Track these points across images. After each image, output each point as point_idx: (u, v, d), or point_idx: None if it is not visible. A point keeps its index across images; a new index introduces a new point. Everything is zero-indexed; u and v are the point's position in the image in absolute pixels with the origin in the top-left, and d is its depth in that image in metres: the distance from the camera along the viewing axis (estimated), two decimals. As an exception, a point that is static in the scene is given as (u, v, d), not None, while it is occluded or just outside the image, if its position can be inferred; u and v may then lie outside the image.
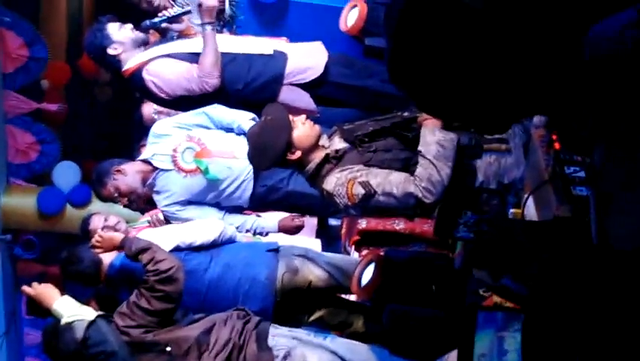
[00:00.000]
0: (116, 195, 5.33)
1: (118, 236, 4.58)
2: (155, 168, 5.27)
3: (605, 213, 1.66)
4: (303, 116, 4.11)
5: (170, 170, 5.25)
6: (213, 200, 5.29)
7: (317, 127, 4.04)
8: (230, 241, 4.94)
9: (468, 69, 1.61)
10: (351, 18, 5.40)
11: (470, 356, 3.06)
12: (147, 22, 5.58)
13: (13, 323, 7.56)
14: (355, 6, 5.39)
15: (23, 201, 7.36)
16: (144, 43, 5.44)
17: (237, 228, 5.23)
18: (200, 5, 5.19)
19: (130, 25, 5.44)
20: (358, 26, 5.33)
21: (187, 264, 4.61)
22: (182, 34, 5.77)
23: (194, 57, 5.22)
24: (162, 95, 5.30)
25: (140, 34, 5.44)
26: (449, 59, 1.61)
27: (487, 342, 3.15)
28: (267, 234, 5.44)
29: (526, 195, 3.59)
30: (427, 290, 3.88)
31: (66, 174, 7.33)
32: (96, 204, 7.01)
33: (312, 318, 4.81)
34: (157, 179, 5.28)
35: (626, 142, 1.56)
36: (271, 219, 5.44)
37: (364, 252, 4.83)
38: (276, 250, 4.87)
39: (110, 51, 5.37)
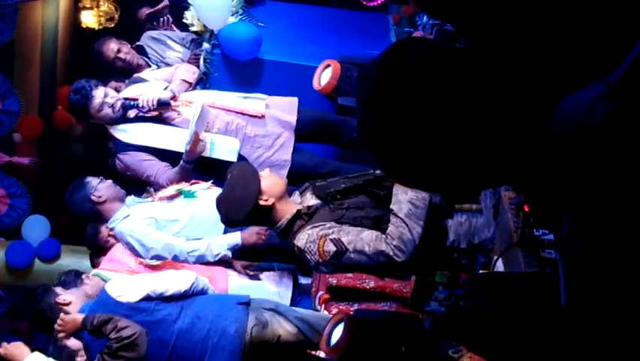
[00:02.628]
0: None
1: (79, 317, 4.57)
2: None
3: (570, 280, 1.67)
4: (267, 170, 4.17)
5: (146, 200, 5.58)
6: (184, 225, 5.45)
7: (283, 177, 4.10)
8: (202, 292, 4.92)
9: (436, 141, 1.63)
10: (324, 77, 5.44)
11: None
12: (129, 102, 5.78)
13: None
14: (329, 65, 5.44)
15: (-9, 255, 7.29)
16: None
17: (200, 255, 5.33)
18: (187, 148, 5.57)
19: (114, 101, 5.78)
20: (331, 85, 5.37)
21: (157, 314, 4.63)
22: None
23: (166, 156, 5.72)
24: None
25: (119, 113, 5.79)
26: (418, 130, 1.62)
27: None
28: (233, 254, 5.44)
29: (495, 257, 3.60)
30: (397, 351, 3.85)
31: (35, 228, 7.28)
32: (65, 260, 6.97)
33: (279, 373, 4.78)
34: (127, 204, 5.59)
35: (587, 216, 1.57)
36: (233, 235, 5.42)
37: (334, 310, 4.81)
38: (247, 303, 4.85)
39: (91, 120, 5.91)
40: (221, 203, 4.06)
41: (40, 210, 7.47)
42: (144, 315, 4.65)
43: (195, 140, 5.47)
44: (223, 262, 5.60)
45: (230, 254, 5.39)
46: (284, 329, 4.75)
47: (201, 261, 5.37)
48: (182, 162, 5.61)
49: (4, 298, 7.35)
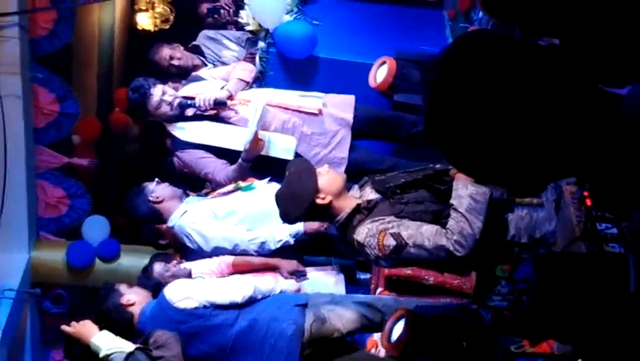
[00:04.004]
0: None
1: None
2: None
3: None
4: (326, 166, 4.19)
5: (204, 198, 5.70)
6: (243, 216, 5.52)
7: (342, 173, 4.10)
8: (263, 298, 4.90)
9: (504, 132, 1.61)
10: (380, 74, 5.44)
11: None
12: (187, 101, 5.92)
13: (40, 378, 7.54)
14: (384, 62, 5.43)
15: (52, 255, 7.34)
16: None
17: (261, 242, 5.39)
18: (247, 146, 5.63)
19: (171, 99, 5.91)
20: (387, 82, 5.37)
21: (214, 319, 4.67)
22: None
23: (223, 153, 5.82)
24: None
25: (177, 111, 5.93)
26: (485, 121, 1.61)
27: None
28: (295, 241, 5.44)
29: (557, 251, 3.57)
30: (458, 347, 3.84)
31: (95, 228, 7.33)
32: (125, 259, 7.03)
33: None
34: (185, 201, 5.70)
35: None
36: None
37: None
38: (304, 305, 4.83)
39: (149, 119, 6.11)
40: (279, 199, 4.08)
41: (97, 212, 7.52)
42: (202, 320, 4.70)
43: (255, 139, 5.51)
44: (270, 269, 5.59)
45: (292, 241, 5.39)
46: (344, 319, 4.70)
47: (263, 249, 5.37)
48: (240, 159, 5.66)
49: (66, 297, 7.42)
